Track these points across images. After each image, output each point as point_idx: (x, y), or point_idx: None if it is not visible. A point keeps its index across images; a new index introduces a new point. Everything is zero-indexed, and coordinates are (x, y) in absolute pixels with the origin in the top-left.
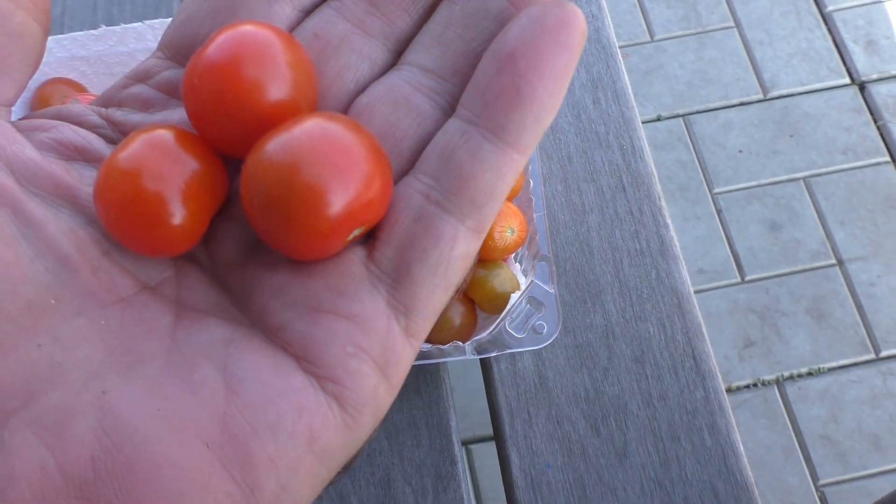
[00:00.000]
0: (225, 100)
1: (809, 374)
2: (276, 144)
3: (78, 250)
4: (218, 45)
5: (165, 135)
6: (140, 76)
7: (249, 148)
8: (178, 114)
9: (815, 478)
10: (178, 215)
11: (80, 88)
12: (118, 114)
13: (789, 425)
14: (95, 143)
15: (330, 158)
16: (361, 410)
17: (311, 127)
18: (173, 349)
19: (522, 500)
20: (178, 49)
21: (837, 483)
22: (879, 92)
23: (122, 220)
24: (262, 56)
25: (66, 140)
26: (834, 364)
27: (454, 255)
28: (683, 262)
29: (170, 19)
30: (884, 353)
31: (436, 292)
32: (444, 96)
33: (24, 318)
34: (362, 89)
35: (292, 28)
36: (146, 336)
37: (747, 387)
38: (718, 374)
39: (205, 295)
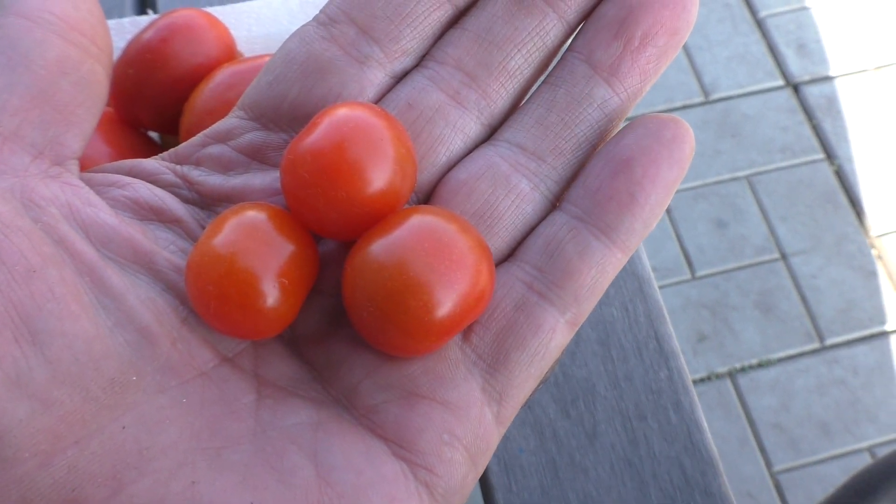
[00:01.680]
0: (328, 187)
1: (760, 365)
2: (384, 244)
3: (157, 320)
4: (323, 129)
5: (259, 216)
6: (220, 136)
7: (347, 232)
8: (260, 178)
9: (769, 465)
10: (274, 301)
11: None
12: (195, 173)
13: (743, 416)
14: (171, 203)
15: (440, 260)
16: (450, 500)
17: (418, 225)
18: (259, 432)
19: (497, 484)
20: (263, 111)
21: (791, 469)
22: (812, 93)
23: (217, 305)
24: (367, 143)
25: (142, 199)
26: (782, 354)
27: (551, 346)
28: (643, 248)
29: (127, 20)
30: (828, 342)
31: (529, 381)
32: (542, 178)
33: (107, 397)
34: (454, 163)
35: (384, 94)
36: (230, 417)
37: (702, 380)
38: (681, 354)
39: (284, 369)
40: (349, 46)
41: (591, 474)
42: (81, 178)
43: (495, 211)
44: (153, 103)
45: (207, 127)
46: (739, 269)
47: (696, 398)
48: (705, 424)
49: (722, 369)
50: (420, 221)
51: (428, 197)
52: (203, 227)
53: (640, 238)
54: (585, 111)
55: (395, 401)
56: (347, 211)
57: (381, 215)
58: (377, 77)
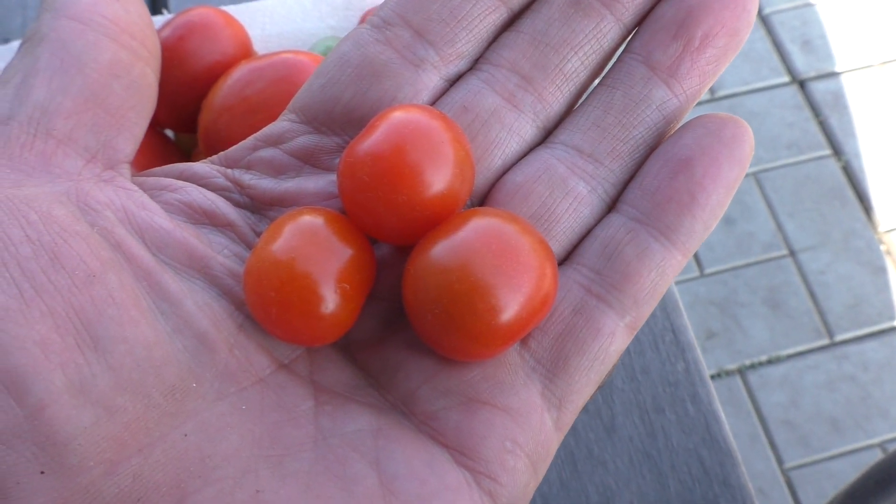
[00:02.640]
0: (388, 191)
1: (769, 361)
2: (449, 246)
3: (214, 326)
4: (382, 132)
5: (318, 221)
6: (272, 140)
7: (405, 236)
8: (314, 182)
9: (780, 462)
10: (336, 307)
11: None
12: (247, 177)
13: (753, 412)
14: (223, 207)
15: (507, 262)
16: None
17: (482, 227)
18: (319, 439)
19: None
20: (316, 114)
21: (802, 466)
22: (818, 89)
23: (278, 312)
24: (427, 145)
25: (195, 203)
26: (791, 351)
27: (611, 351)
28: None
29: None
30: (837, 338)
31: (588, 387)
32: (599, 181)
33: (168, 404)
34: (509, 166)
35: (438, 98)
36: (290, 424)
37: (711, 377)
38: (696, 346)
39: (340, 375)
40: (404, 49)
41: (610, 467)
42: (134, 182)
43: (552, 214)
44: (170, 101)
45: (225, 124)
46: (747, 265)
47: (712, 390)
48: (723, 416)
49: (731, 366)
50: (484, 223)
51: (482, 200)
52: (255, 232)
53: (700, 240)
54: (643, 113)
55: (456, 407)
56: (407, 215)
57: (440, 219)
58: (432, 80)
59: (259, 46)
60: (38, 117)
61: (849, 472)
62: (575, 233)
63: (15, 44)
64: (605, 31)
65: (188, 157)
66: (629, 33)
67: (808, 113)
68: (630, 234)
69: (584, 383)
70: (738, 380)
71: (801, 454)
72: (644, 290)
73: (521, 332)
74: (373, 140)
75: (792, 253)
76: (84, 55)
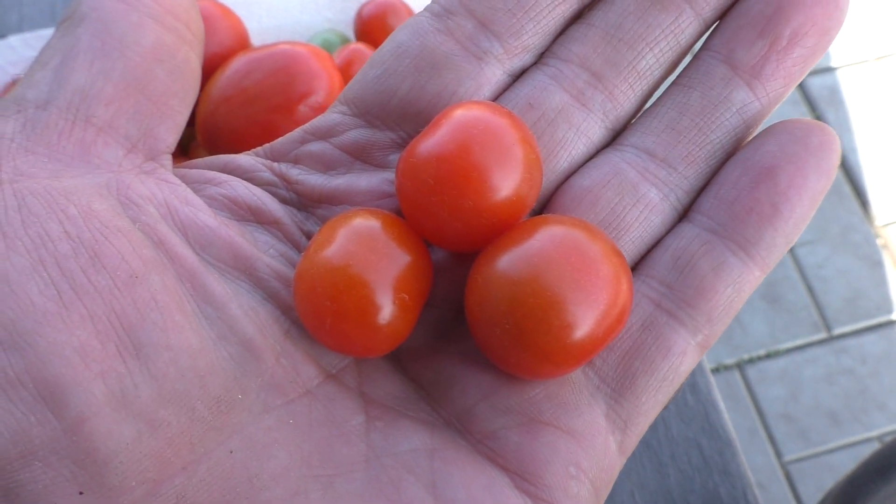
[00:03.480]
0: (453, 194)
1: (768, 356)
2: (522, 256)
3: (260, 333)
4: (447, 130)
5: (375, 224)
6: (321, 132)
7: (467, 243)
8: (366, 179)
9: (779, 455)
10: (395, 319)
11: None
12: (294, 171)
13: (752, 406)
14: (269, 203)
15: (586, 276)
16: None
17: (557, 236)
18: (371, 458)
19: None
20: (369, 107)
21: (800, 459)
22: (814, 84)
23: (334, 323)
24: (496, 146)
25: (240, 198)
26: (790, 345)
27: (681, 371)
28: None
29: None
30: (835, 332)
31: (655, 408)
32: (672, 187)
33: (213, 418)
34: (575, 169)
35: (501, 93)
36: (340, 440)
37: (711, 372)
38: None
39: (389, 386)
40: (467, 41)
41: None
42: (175, 174)
43: (622, 222)
44: None
45: (222, 116)
46: None
47: (712, 380)
48: (722, 405)
49: (730, 360)
50: (559, 232)
51: (545, 205)
52: (302, 230)
53: (780, 256)
54: (722, 116)
55: (516, 427)
56: (472, 220)
57: (505, 226)
58: (495, 74)
59: (256, 40)
60: (78, 103)
61: (848, 465)
62: (644, 243)
63: (11, 38)
64: (683, 26)
65: (185, 150)
66: (707, 30)
67: (804, 108)
68: (705, 246)
69: (651, 405)
70: (736, 374)
71: (800, 447)
72: (719, 307)
73: (595, 351)
74: (437, 139)
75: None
76: (127, 37)
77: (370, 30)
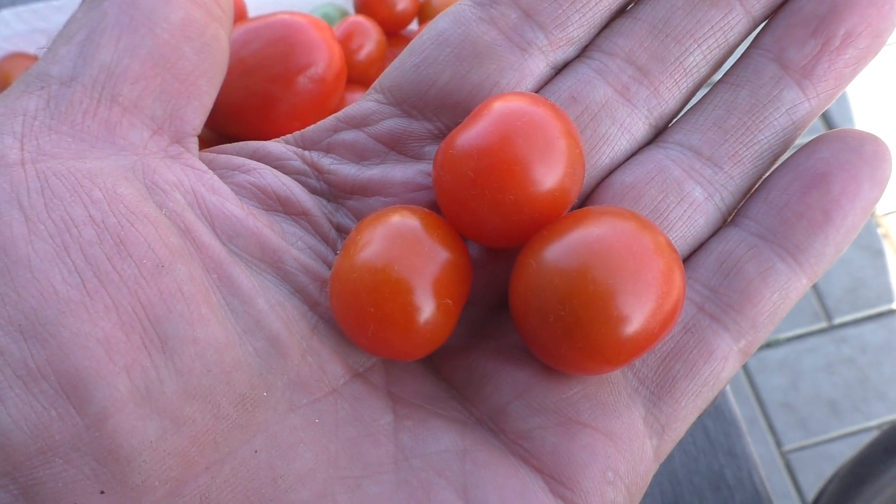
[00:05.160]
0: (495, 189)
1: (768, 345)
2: (574, 246)
3: (287, 328)
4: (489, 121)
5: (414, 224)
6: (355, 121)
7: (507, 238)
8: (401, 171)
9: (779, 444)
10: (438, 323)
11: None
12: (326, 161)
13: (752, 396)
14: (298, 193)
15: (643, 267)
16: None
17: (609, 224)
18: (400, 459)
19: None
20: (406, 96)
21: (800, 449)
22: None
23: (377, 328)
24: (539, 139)
25: (268, 187)
26: (790, 334)
27: (722, 377)
28: None
29: None
30: (836, 321)
31: (693, 413)
32: (717, 187)
33: (238, 415)
34: (616, 165)
35: (544, 85)
36: (368, 440)
37: None
38: None
39: (419, 385)
40: (510, 31)
41: None
42: (202, 159)
43: (665, 220)
44: None
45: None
46: None
47: None
48: (727, 387)
49: None
50: (611, 221)
51: (585, 201)
52: (331, 222)
53: (829, 265)
54: (771, 115)
55: (552, 427)
56: (513, 216)
57: (547, 221)
58: (538, 66)
59: (254, 14)
60: (104, 80)
61: (847, 454)
62: (687, 243)
63: (4, 13)
64: (732, 23)
65: None
66: (755, 28)
67: None
68: (752, 250)
69: (690, 410)
70: None
71: (800, 437)
72: (764, 313)
73: (648, 346)
74: (478, 131)
75: None
76: (155, 13)
77: (369, 3)
